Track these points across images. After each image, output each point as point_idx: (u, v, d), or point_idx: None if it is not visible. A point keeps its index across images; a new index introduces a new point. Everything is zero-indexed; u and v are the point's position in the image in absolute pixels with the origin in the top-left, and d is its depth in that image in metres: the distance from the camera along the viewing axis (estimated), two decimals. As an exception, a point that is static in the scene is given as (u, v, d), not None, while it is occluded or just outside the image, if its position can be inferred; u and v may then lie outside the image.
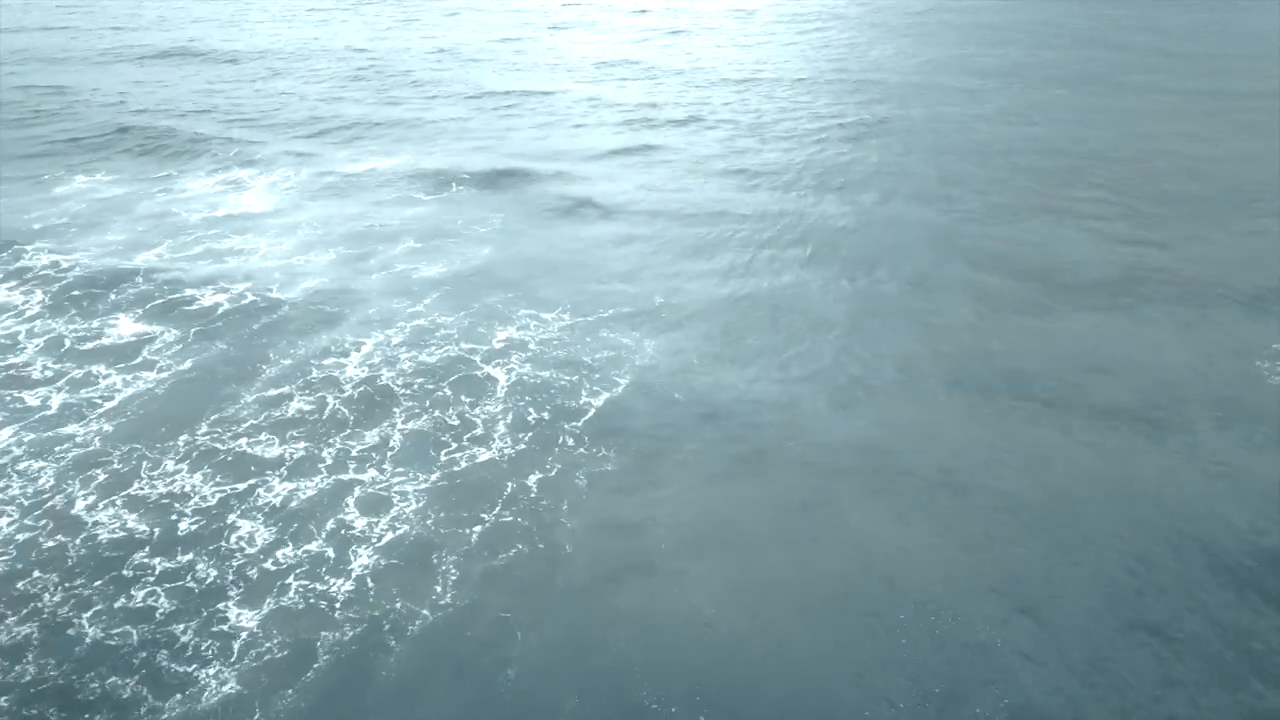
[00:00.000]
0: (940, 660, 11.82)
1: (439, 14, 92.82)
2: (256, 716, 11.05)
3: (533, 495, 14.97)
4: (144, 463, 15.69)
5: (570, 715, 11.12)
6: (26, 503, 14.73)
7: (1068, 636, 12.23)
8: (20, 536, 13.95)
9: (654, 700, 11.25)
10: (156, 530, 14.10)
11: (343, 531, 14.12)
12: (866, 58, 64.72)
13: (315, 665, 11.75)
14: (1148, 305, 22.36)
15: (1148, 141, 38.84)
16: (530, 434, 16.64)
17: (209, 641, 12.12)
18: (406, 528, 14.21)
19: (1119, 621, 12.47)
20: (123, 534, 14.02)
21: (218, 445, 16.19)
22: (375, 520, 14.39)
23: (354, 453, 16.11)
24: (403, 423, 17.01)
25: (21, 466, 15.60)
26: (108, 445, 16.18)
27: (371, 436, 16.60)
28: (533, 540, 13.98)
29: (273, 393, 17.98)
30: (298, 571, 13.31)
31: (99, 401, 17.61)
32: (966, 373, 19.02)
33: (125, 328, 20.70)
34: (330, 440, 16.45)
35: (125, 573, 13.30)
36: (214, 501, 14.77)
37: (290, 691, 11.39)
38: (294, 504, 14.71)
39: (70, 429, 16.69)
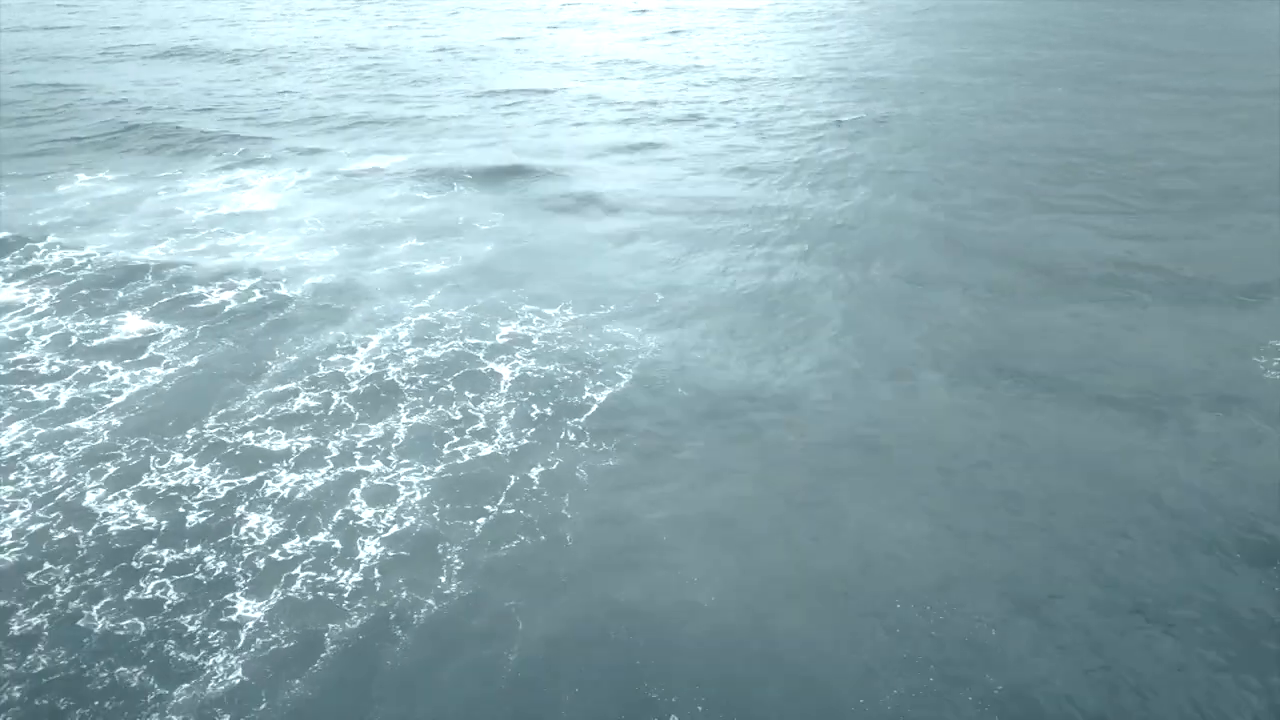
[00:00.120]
0: (936, 652, 11.98)
1: (439, 13, 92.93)
2: (263, 706, 11.19)
3: (535, 488, 15.16)
4: (152, 456, 15.90)
5: (571, 705, 11.28)
6: (39, 495, 14.94)
7: (1064, 628, 12.39)
8: (32, 528, 14.16)
9: (654, 691, 11.41)
10: (165, 522, 14.29)
11: (350, 523, 14.32)
12: (866, 56, 64.88)
13: (322, 655, 11.91)
14: (1145, 301, 22.54)
15: (1146, 140, 39.01)
16: (533, 429, 16.82)
17: (216, 632, 12.28)
18: (413, 519, 14.41)
19: (1118, 613, 12.64)
20: (132, 526, 14.21)
21: (225, 439, 16.39)
22: (382, 511, 14.60)
23: (359, 445, 16.31)
24: (407, 417, 17.21)
25: (32, 459, 15.81)
26: (116, 439, 16.38)
27: (376, 430, 16.80)
28: (535, 532, 14.17)
29: (279, 388, 18.18)
30: (305, 563, 13.50)
31: (107, 396, 17.81)
32: (965, 367, 19.20)
33: (132, 324, 20.89)
34: (336, 434, 16.65)
35: (134, 564, 13.48)
36: (222, 494, 14.96)
37: (297, 681, 11.54)
38: (301, 496, 14.91)
39: (79, 423, 16.89)
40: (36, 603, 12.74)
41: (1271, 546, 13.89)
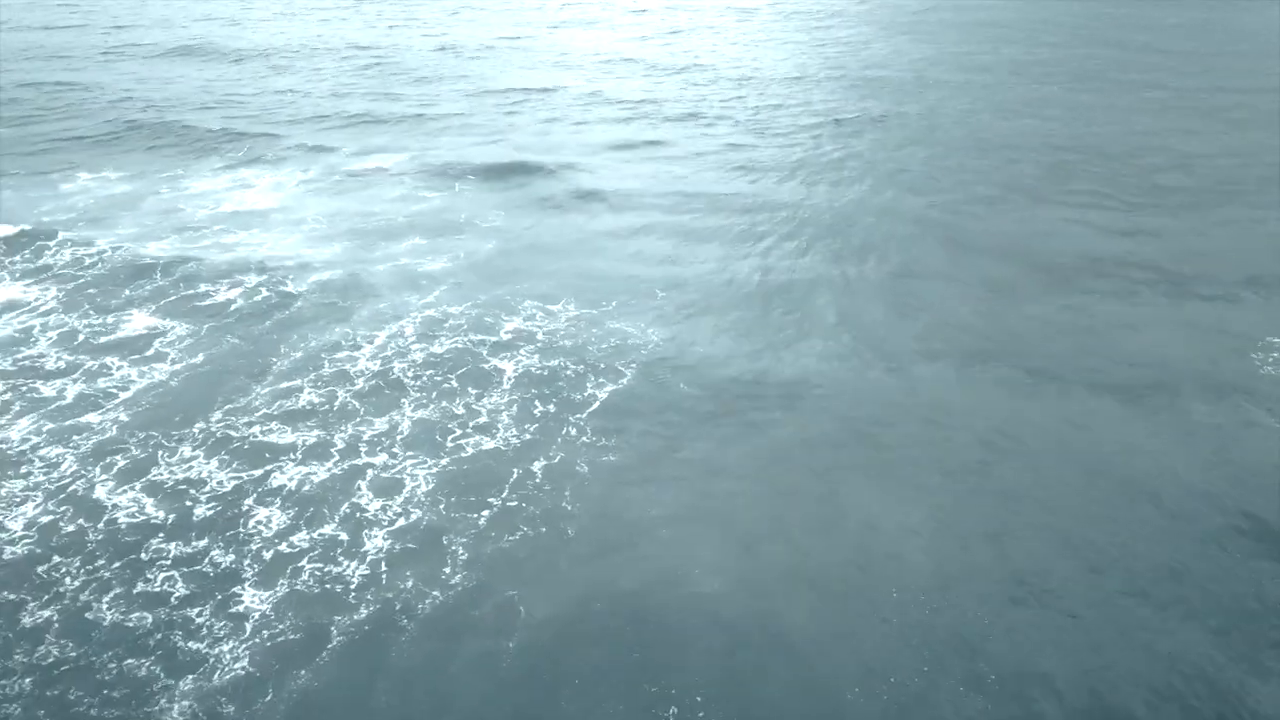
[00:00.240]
0: (932, 645, 12.15)
1: (440, 12, 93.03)
2: (269, 697, 11.33)
3: (538, 481, 15.33)
4: (160, 450, 16.07)
5: (573, 696, 11.43)
6: (50, 488, 15.12)
7: (1061, 621, 12.57)
8: (43, 520, 14.33)
9: (654, 685, 11.55)
10: (173, 515, 14.46)
11: (356, 515, 14.50)
12: (864, 55, 65.05)
13: (328, 646, 12.05)
14: (1142, 297, 22.74)
15: (1143, 137, 39.20)
16: (536, 424, 17.00)
17: (223, 623, 12.43)
18: (419, 512, 14.58)
19: (1115, 607, 12.81)
20: (141, 519, 14.38)
21: (231, 433, 16.57)
22: (388, 503, 14.78)
23: (365, 438, 16.50)
24: (412, 411, 17.39)
25: (42, 453, 16.00)
26: (124, 434, 16.56)
27: (381, 424, 16.98)
28: (537, 525, 14.34)
29: (285, 384, 18.35)
30: (311, 555, 13.66)
31: (114, 392, 17.99)
32: (963, 362, 19.39)
33: (138, 321, 21.07)
34: (341, 428, 16.83)
35: (143, 556, 13.63)
36: (229, 488, 15.14)
37: (303, 672, 11.68)
38: (307, 489, 15.10)
39: (88, 418, 17.07)
40: (47, 596, 12.88)
41: (1272, 538, 14.04)
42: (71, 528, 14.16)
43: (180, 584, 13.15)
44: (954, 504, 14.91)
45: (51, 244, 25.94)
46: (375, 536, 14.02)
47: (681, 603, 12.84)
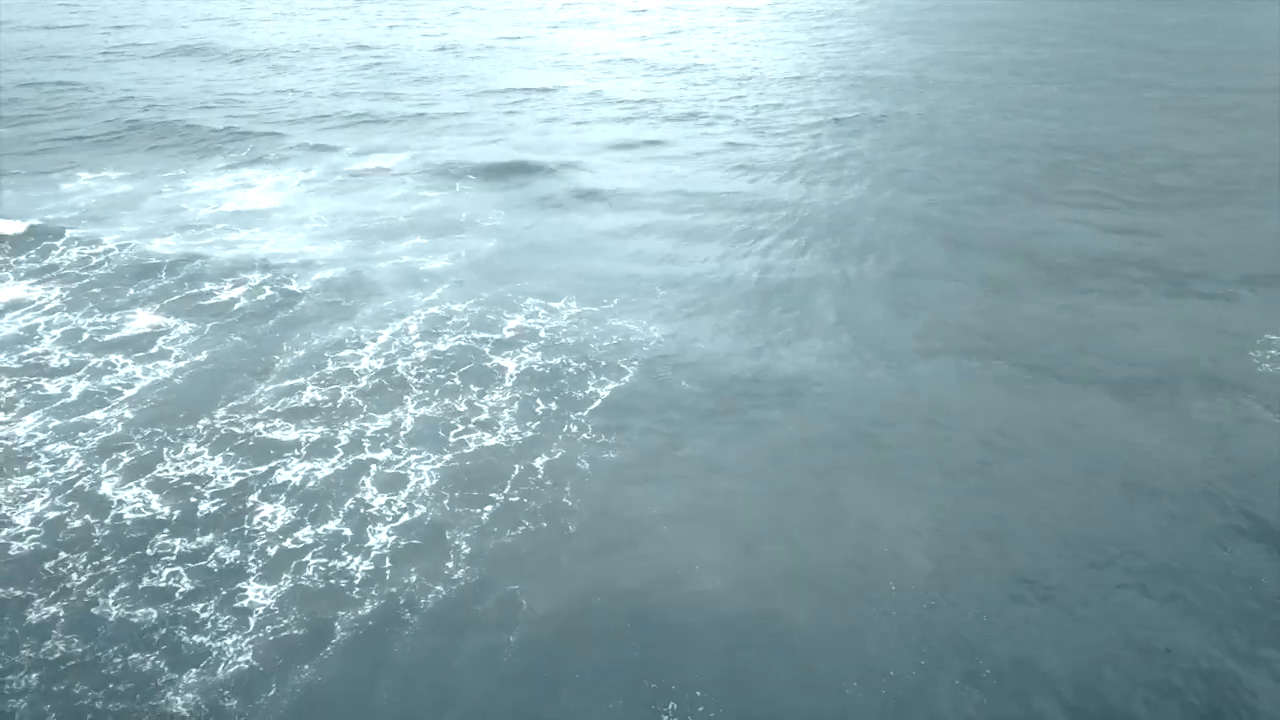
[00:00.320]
0: (930, 638, 12.25)
1: (440, 12, 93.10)
2: (273, 691, 11.42)
3: (539, 477, 15.44)
4: (165, 447, 16.18)
5: (573, 689, 11.53)
6: (57, 483, 15.25)
7: (1058, 614, 12.68)
8: (50, 516, 14.44)
9: (653, 681, 11.65)
10: (178, 511, 14.57)
11: (360, 511, 14.61)
12: (864, 55, 65.15)
13: (332, 641, 12.16)
14: (1142, 295, 22.84)
15: (1142, 136, 39.29)
16: (538, 422, 17.10)
17: (228, 618, 12.55)
18: (423, 508, 14.69)
19: (1112, 599, 12.92)
20: (146, 514, 14.49)
21: (236, 430, 16.69)
22: (393, 498, 14.90)
23: (369, 434, 16.62)
24: (415, 408, 17.50)
25: (49, 449, 16.12)
26: (130, 430, 16.67)
27: (385, 420, 17.09)
28: (539, 521, 14.45)
29: (288, 382, 18.46)
30: (316, 550, 13.77)
31: (119, 389, 18.10)
32: (962, 359, 19.50)
33: (141, 320, 21.18)
34: (345, 424, 16.94)
35: (148, 552, 13.75)
36: (234, 484, 15.25)
37: (307, 666, 11.78)
38: (311, 485, 15.20)
39: (93, 415, 17.18)
40: (53, 592, 12.99)
41: (1271, 536, 14.14)
42: (78, 523, 14.27)
43: (185, 579, 13.25)
44: (953, 502, 15.01)
45: (54, 243, 26.04)
46: (379, 532, 14.13)
47: (681, 599, 12.94)
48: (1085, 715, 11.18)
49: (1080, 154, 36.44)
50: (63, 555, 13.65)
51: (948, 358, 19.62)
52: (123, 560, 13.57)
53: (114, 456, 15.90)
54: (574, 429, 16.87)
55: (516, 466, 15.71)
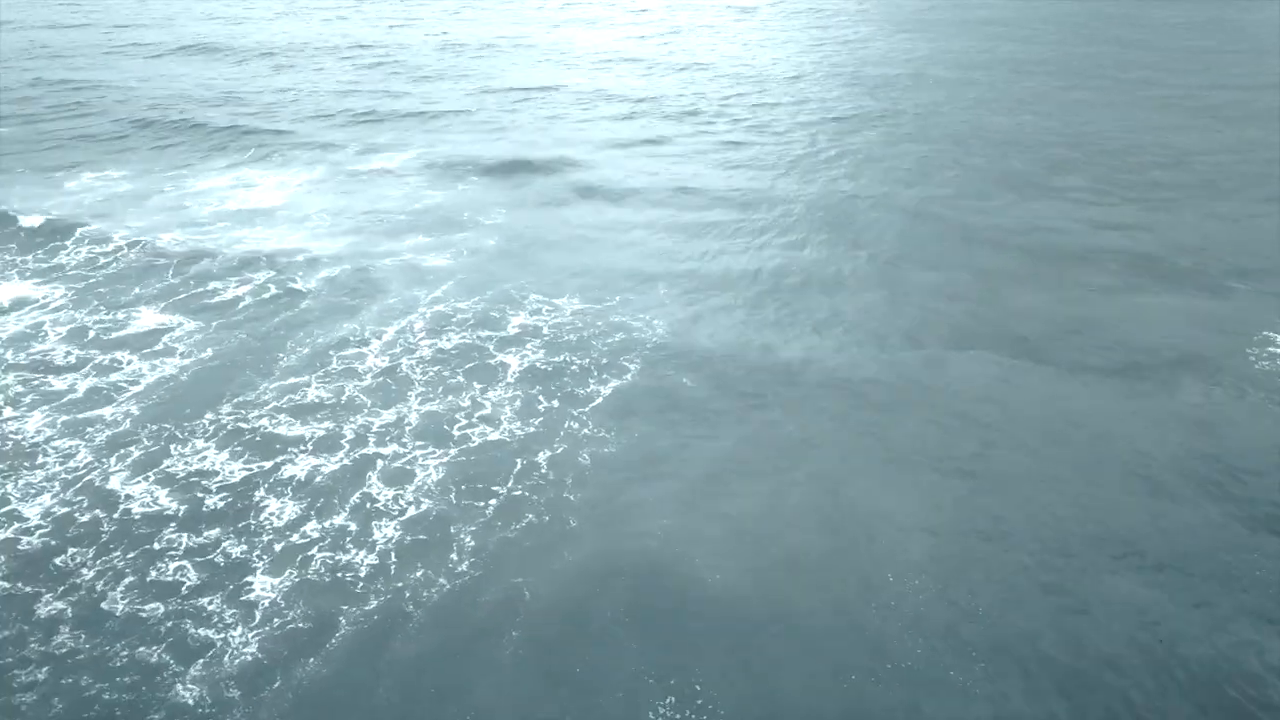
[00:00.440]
0: (925, 629, 12.40)
1: (441, 12, 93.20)
2: (278, 683, 11.57)
3: (542, 472, 15.60)
4: (173, 443, 16.36)
5: (574, 682, 11.66)
6: (67, 478, 15.43)
7: (1059, 600, 12.82)
8: (59, 511, 14.61)
9: (652, 675, 11.76)
10: (185, 506, 14.74)
11: (367, 505, 14.79)
12: (863, 53, 65.20)
13: (337, 634, 12.30)
14: (1138, 291, 22.94)
15: (1140, 133, 39.34)
16: (540, 418, 17.26)
17: (234, 611, 12.69)
18: (430, 502, 14.86)
19: (1109, 589, 13.07)
20: (154, 509, 14.66)
21: (243, 425, 16.86)
22: (400, 493, 15.08)
23: (374, 428, 16.81)
24: (419, 405, 17.66)
25: (57, 444, 16.31)
26: (137, 426, 16.85)
27: (389, 415, 17.26)
28: (542, 515, 14.61)
29: (293, 379, 18.63)
30: (321, 544, 13.93)
31: (125, 385, 18.28)
32: (964, 355, 19.64)
33: (147, 318, 21.34)
34: (351, 419, 17.11)
35: (155, 546, 13.90)
36: (240, 478, 15.42)
37: (311, 659, 11.92)
38: (318, 480, 15.38)
39: (100, 411, 17.36)
40: (62, 587, 13.13)
41: (1269, 526, 14.29)
42: (86, 518, 14.44)
43: (192, 573, 13.41)
44: (953, 491, 15.16)
45: (58, 242, 26.21)
46: (384, 526, 14.29)
47: (682, 593, 13.07)
48: (1087, 699, 11.32)
49: (1077, 150, 36.55)
50: (71, 550, 13.81)
51: (947, 350, 19.77)
52: (131, 555, 13.74)
53: (122, 452, 16.08)
54: (575, 424, 17.03)
55: (519, 461, 15.87)
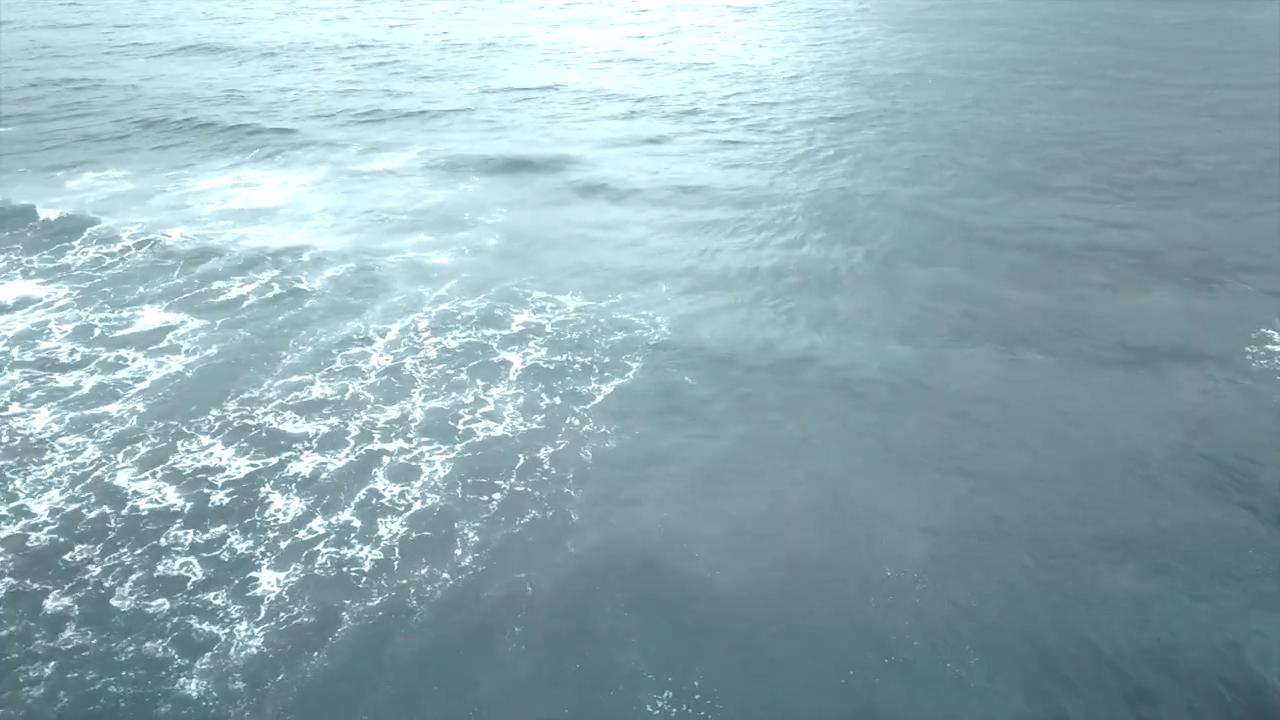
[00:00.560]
0: (923, 624, 12.50)
1: (441, 12, 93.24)
2: (282, 676, 11.68)
3: (545, 468, 15.72)
4: (179, 439, 16.48)
5: (575, 678, 11.77)
6: (75, 474, 15.55)
7: (1060, 593, 12.92)
8: (67, 508, 14.73)
9: (652, 671, 11.87)
10: (192, 503, 14.86)
11: (372, 501, 14.90)
12: (862, 52, 65.26)
13: (341, 628, 12.41)
14: (1137, 288, 23.02)
15: (1139, 133, 39.40)
16: (542, 415, 17.37)
17: (239, 606, 12.81)
18: (435, 497, 14.98)
19: (1106, 584, 13.18)
20: (161, 505, 14.78)
21: (249, 422, 16.98)
22: (405, 488, 15.20)
23: (379, 425, 16.93)
24: (423, 401, 17.78)
25: (64, 441, 16.42)
26: (143, 423, 16.97)
27: (394, 411, 17.39)
28: (544, 510, 14.73)
29: (298, 376, 18.74)
30: (327, 540, 14.04)
31: (131, 383, 18.40)
32: (964, 352, 19.73)
33: (151, 316, 21.46)
34: (356, 416, 17.24)
35: (162, 542, 14.01)
36: (246, 475, 15.54)
37: (316, 653, 12.03)
38: (324, 476, 15.49)
39: (106, 408, 17.48)
40: (69, 584, 13.22)
41: (1270, 519, 14.38)
42: (93, 514, 14.55)
43: (198, 569, 13.52)
44: (953, 490, 15.26)
45: (62, 241, 26.30)
46: (390, 522, 14.40)
47: (683, 589, 13.18)
48: (1092, 690, 11.44)
49: (1077, 149, 36.63)
50: (79, 546, 13.92)
51: (949, 348, 19.88)
52: (138, 550, 13.85)
53: (128, 448, 16.20)
54: (577, 422, 17.14)
55: (522, 457, 15.99)
